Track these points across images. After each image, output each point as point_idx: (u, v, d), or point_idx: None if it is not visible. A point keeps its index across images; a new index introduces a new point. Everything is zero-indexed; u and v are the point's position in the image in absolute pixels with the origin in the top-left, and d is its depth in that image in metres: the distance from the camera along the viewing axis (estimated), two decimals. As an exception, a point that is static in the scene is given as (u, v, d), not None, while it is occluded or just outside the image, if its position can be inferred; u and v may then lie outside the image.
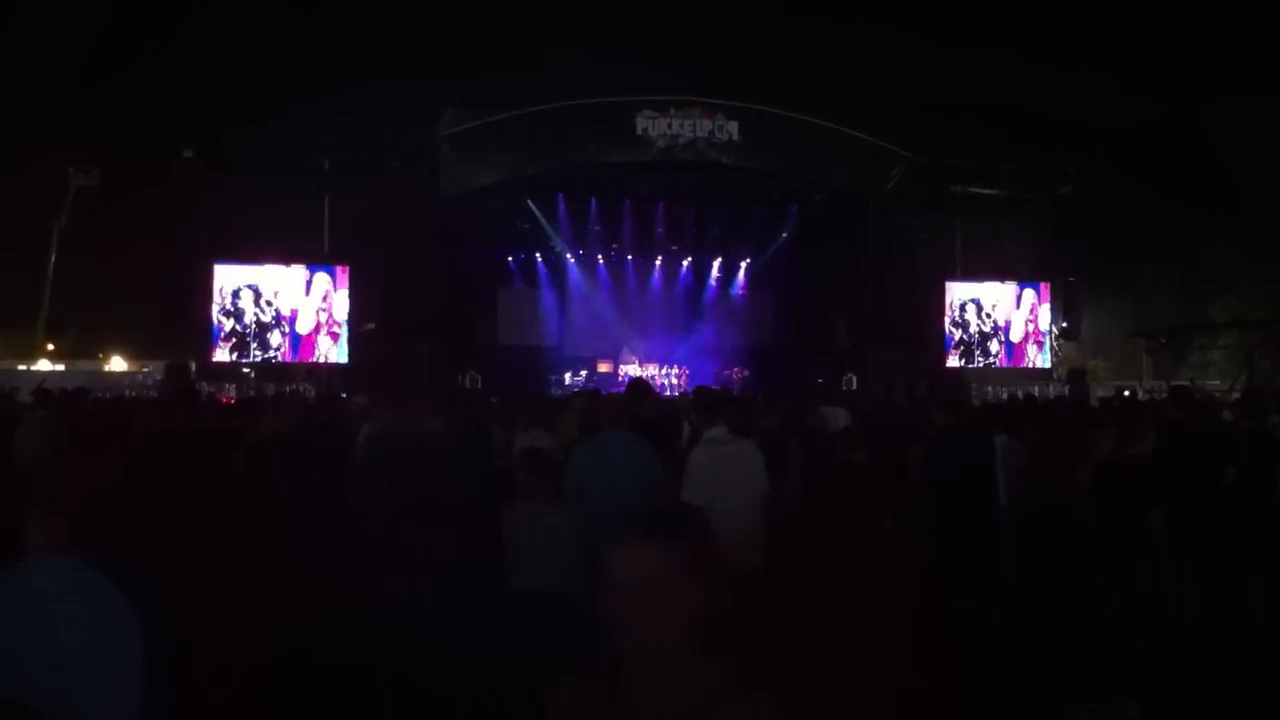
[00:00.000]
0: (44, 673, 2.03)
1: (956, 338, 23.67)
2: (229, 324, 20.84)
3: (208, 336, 20.70)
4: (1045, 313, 23.89)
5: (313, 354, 21.12)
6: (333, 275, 21.08)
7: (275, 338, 21.01)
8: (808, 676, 5.90)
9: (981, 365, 23.67)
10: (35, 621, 2.07)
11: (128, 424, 8.22)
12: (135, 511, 5.75)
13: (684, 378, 27.31)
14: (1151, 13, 45.16)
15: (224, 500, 6.17)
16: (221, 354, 20.80)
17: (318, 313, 21.08)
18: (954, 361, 23.62)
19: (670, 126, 21.73)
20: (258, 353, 20.92)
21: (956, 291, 23.74)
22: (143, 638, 2.11)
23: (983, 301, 23.79)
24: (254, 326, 20.88)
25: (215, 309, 20.77)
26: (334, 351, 21.17)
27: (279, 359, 20.95)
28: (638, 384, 7.26)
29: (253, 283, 20.92)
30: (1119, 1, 47.46)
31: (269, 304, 20.93)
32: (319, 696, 5.42)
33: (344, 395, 15.02)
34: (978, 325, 23.72)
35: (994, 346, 23.82)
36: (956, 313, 23.68)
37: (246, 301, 20.84)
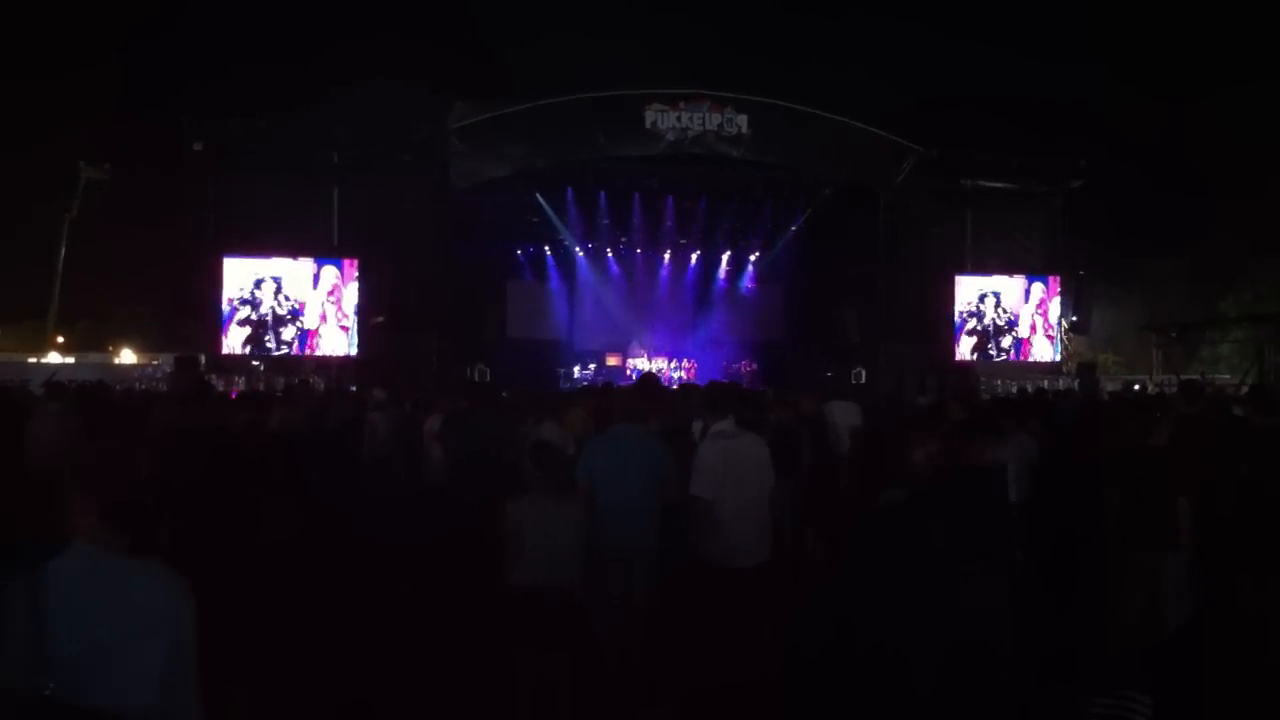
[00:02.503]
0: (101, 648, 2.32)
1: (970, 326, 23.61)
2: (244, 311, 20.90)
3: (218, 328, 20.76)
4: (1055, 306, 23.81)
5: (319, 347, 21.16)
6: (340, 268, 21.12)
7: (289, 331, 21.07)
8: (820, 668, 5.91)
9: (993, 359, 23.62)
10: (97, 600, 2.35)
11: (143, 417, 8.25)
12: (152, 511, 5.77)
13: (692, 371, 27.30)
14: (1158, 8, 44.92)
15: (235, 494, 6.18)
16: (233, 342, 20.88)
17: (324, 306, 21.12)
18: (966, 351, 23.57)
19: (679, 119, 21.68)
20: (270, 344, 20.98)
21: (971, 283, 23.68)
22: (179, 625, 2.44)
23: (996, 294, 23.73)
24: (270, 317, 20.93)
25: (232, 296, 20.84)
26: (342, 345, 21.21)
27: (290, 353, 21.01)
28: (648, 379, 7.27)
29: (276, 274, 21.01)
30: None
31: (287, 298, 21.00)
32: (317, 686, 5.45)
33: (354, 389, 15.07)
34: (993, 318, 23.66)
35: (1006, 341, 23.77)
36: (975, 303, 23.61)
37: (266, 292, 20.90)
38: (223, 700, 2.93)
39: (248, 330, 20.94)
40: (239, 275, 20.92)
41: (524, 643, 4.76)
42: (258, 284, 20.90)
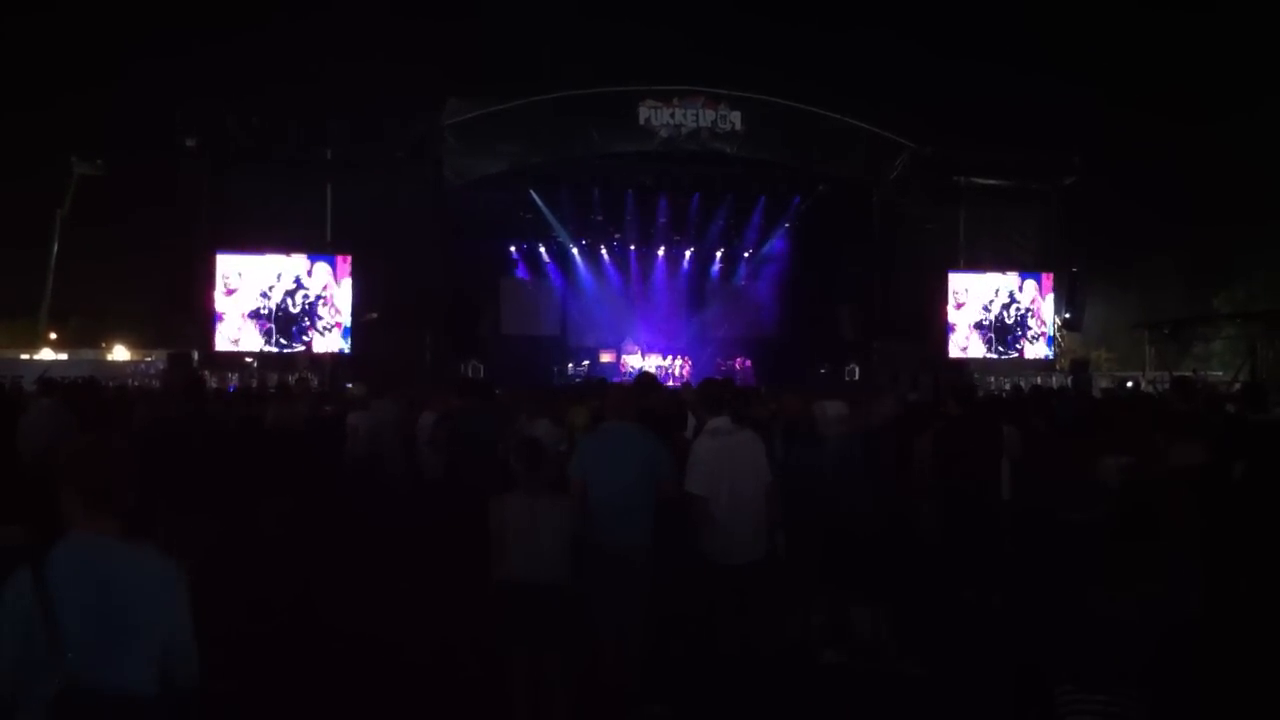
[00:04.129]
0: (100, 629, 2.48)
1: (984, 321, 23.57)
2: (263, 307, 20.87)
3: (211, 325, 20.69)
4: (1048, 303, 23.84)
5: (312, 344, 21.11)
6: (333, 265, 21.06)
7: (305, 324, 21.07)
8: (816, 666, 5.92)
9: (988, 356, 23.63)
10: (92, 584, 2.51)
11: (129, 412, 8.24)
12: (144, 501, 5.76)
13: (686, 368, 27.30)
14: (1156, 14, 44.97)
15: (229, 490, 6.17)
16: (249, 338, 20.87)
17: (317, 302, 21.06)
18: (978, 349, 23.56)
19: (673, 116, 21.68)
20: (283, 341, 20.94)
21: (976, 281, 23.66)
22: (173, 604, 2.63)
23: (994, 291, 23.75)
24: (282, 315, 20.89)
25: (249, 294, 20.81)
26: (335, 341, 21.16)
27: (304, 350, 20.96)
28: (645, 377, 7.24)
29: (293, 270, 21.00)
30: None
31: (305, 296, 20.96)
32: (318, 686, 5.44)
33: (349, 385, 15.07)
34: (1001, 315, 23.64)
35: (1009, 337, 23.77)
36: (988, 300, 23.58)
37: (280, 290, 20.88)
38: (220, 698, 2.94)
39: (269, 328, 20.92)
40: (256, 271, 20.90)
41: (514, 640, 4.76)
42: (277, 278, 20.89)
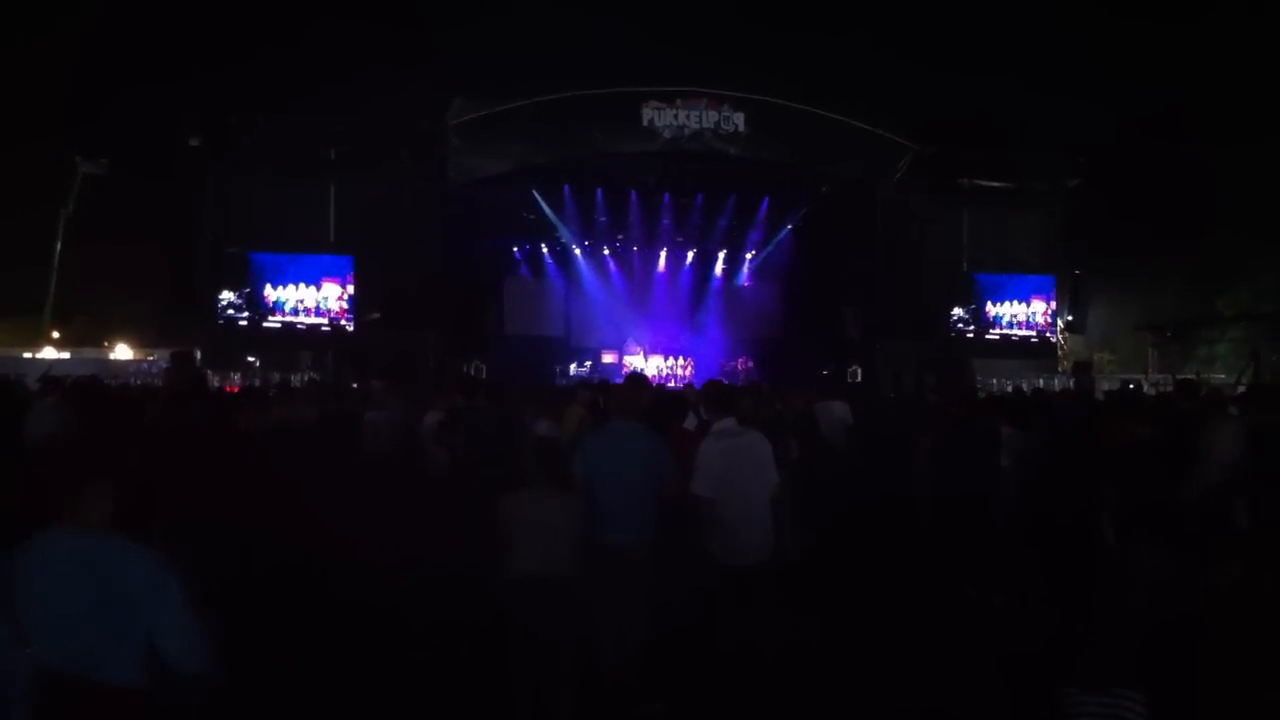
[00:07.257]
0: (102, 615, 2.55)
1: (967, 327, 23.66)
2: (242, 310, 20.92)
3: (214, 324, 20.76)
4: (1051, 305, 23.83)
5: (317, 343, 21.16)
6: (338, 264, 21.10)
7: (277, 324, 21.10)
8: (817, 664, 5.92)
9: (989, 357, 23.65)
10: (75, 572, 2.56)
11: (139, 411, 8.24)
12: (144, 497, 5.76)
13: (689, 368, 27.31)
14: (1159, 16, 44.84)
15: (231, 491, 6.16)
16: (227, 336, 20.92)
17: (321, 302, 21.11)
18: (962, 349, 23.64)
19: (677, 117, 21.72)
20: (262, 338, 21.03)
21: (966, 283, 23.71)
22: (172, 586, 2.66)
23: (992, 293, 23.81)
24: (259, 314, 20.96)
25: (225, 293, 20.85)
26: (339, 341, 21.19)
27: (286, 347, 21.02)
28: (635, 376, 7.24)
29: (268, 269, 21.01)
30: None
31: (280, 288, 21.01)
32: (318, 683, 5.44)
33: (355, 385, 15.06)
34: (984, 317, 23.73)
35: (1006, 337, 23.84)
36: (972, 302, 23.67)
37: (255, 287, 20.93)
38: (215, 696, 2.95)
39: (244, 326, 20.97)
40: (232, 270, 20.95)
41: (523, 635, 4.76)
42: (248, 279, 20.93)
